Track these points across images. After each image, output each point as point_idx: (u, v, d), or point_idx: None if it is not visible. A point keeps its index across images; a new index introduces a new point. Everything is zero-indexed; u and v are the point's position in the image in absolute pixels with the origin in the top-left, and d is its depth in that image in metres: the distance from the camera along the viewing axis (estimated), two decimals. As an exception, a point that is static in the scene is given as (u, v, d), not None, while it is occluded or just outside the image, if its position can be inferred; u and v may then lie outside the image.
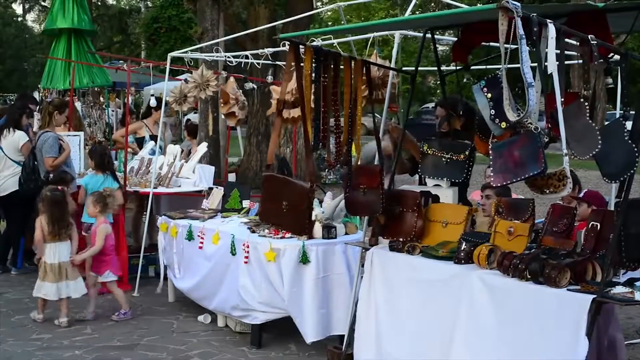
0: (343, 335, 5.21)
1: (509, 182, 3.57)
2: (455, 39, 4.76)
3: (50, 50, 14.14)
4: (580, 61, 3.82)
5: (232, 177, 10.33)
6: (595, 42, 3.60)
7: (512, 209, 4.18)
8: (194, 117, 13.94)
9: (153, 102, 8.87)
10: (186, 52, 8.08)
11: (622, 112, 3.96)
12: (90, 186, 7.07)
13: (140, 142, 9.07)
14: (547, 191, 3.51)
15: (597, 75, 4.18)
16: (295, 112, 6.52)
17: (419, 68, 4.99)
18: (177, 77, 12.64)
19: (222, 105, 8.18)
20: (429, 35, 4.68)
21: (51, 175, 7.20)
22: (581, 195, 5.06)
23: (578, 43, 3.90)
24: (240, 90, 8.58)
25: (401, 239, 4.43)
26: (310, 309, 5.33)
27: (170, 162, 8.35)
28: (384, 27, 5.55)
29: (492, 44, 5.26)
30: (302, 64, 4.16)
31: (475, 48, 4.79)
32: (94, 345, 5.70)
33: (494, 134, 3.81)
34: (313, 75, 4.22)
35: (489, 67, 5.45)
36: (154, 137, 8.89)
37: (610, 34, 3.88)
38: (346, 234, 5.70)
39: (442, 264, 4.11)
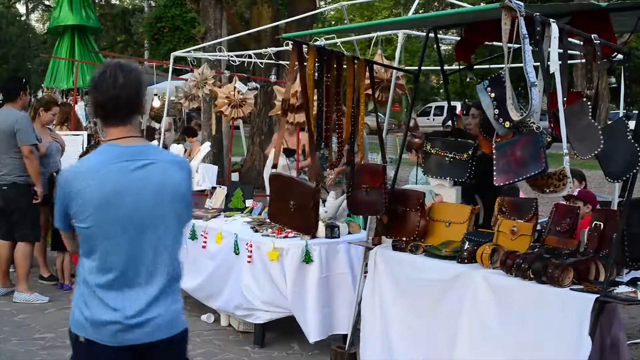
0: (346, 335, 5.21)
1: (511, 181, 3.57)
2: (459, 38, 4.76)
3: (53, 49, 14.17)
4: (584, 60, 3.81)
5: (235, 176, 10.35)
6: (599, 41, 3.60)
7: (515, 209, 4.16)
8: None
9: (156, 103, 8.87)
10: (189, 51, 8.10)
11: (625, 111, 3.95)
12: None
13: None
14: (548, 190, 3.51)
15: (600, 75, 4.17)
16: (300, 118, 6.52)
17: (422, 67, 4.98)
18: (181, 77, 12.66)
19: (214, 104, 8.26)
20: (432, 35, 4.67)
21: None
22: (575, 194, 5.05)
23: (581, 42, 3.90)
24: (245, 89, 8.59)
25: (404, 239, 4.42)
26: (313, 308, 5.33)
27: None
28: (387, 27, 5.55)
29: (495, 43, 5.26)
30: (305, 64, 4.16)
31: (479, 47, 4.79)
32: (97, 344, 5.69)
33: (499, 133, 3.82)
34: (316, 75, 4.22)
35: (492, 66, 5.45)
36: None
37: (613, 33, 3.87)
38: (349, 233, 5.70)
39: (445, 263, 4.10)
